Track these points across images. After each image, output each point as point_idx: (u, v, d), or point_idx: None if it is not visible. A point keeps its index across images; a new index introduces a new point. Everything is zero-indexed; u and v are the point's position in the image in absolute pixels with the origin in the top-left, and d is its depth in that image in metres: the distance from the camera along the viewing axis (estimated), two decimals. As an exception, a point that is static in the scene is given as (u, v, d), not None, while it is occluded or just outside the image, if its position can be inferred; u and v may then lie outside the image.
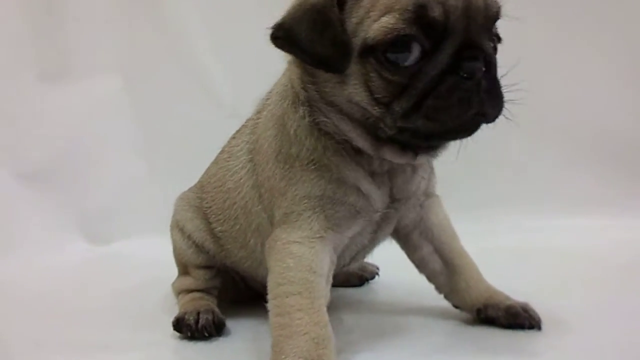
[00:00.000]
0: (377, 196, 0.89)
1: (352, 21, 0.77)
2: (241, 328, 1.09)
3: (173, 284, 1.19)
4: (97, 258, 1.84)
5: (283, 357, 0.77)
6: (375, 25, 0.73)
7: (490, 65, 0.76)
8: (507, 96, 0.79)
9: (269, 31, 0.80)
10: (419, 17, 0.72)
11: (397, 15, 0.72)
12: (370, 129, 0.82)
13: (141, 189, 2.05)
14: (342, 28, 0.76)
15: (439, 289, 1.05)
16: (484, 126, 0.80)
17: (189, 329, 1.02)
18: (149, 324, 1.15)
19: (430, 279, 1.05)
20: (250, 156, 0.97)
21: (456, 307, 1.05)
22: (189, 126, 2.05)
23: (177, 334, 1.04)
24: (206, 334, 1.01)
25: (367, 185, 0.87)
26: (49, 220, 1.95)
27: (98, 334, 1.11)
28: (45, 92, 1.98)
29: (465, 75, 0.73)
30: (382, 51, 0.74)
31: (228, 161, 1.04)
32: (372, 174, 0.88)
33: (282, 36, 0.79)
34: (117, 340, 1.06)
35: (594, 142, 1.94)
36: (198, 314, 1.04)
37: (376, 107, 0.78)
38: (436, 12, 0.72)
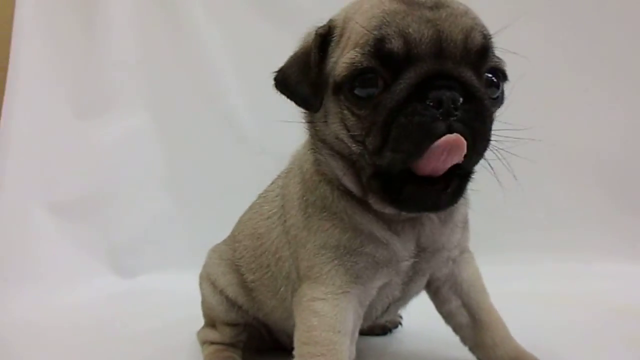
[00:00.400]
0: (399, 244, 0.86)
1: (331, 61, 0.79)
2: None
3: (198, 333, 1.19)
4: (123, 292, 1.87)
5: None
6: (340, 61, 0.75)
7: (473, 98, 0.71)
8: (500, 135, 0.75)
9: (273, 75, 0.83)
10: (378, 50, 0.72)
11: (359, 50, 0.73)
12: (357, 170, 0.81)
13: (167, 224, 2.08)
14: (317, 69, 0.78)
15: (464, 341, 1.04)
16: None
17: None
18: None
19: (456, 331, 1.04)
20: (282, 202, 0.97)
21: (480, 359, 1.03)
22: (215, 162, 2.08)
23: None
24: None
25: (381, 232, 0.85)
26: (77, 253, 1.98)
27: None
28: (79, 128, 2.04)
29: (431, 103, 0.69)
30: (348, 87, 0.75)
31: (262, 206, 1.04)
32: (389, 222, 0.85)
33: (279, 79, 0.83)
34: None
35: (607, 185, 1.90)
36: None
37: (354, 145, 0.77)
38: (395, 44, 0.71)
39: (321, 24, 0.84)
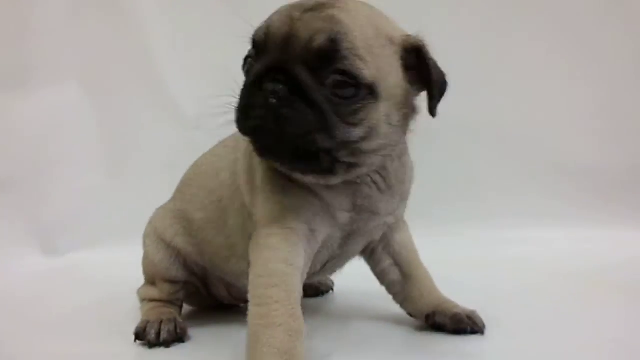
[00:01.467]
0: (335, 201, 0.93)
1: None
2: (203, 335, 1.11)
3: (138, 291, 1.22)
4: (54, 270, 1.81)
5: (259, 346, 0.81)
6: None
7: (298, 91, 0.79)
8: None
9: None
10: (252, 37, 0.86)
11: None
12: None
13: (99, 200, 2.04)
14: None
15: (395, 298, 1.12)
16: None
17: (150, 341, 1.04)
18: (109, 335, 1.14)
19: (388, 289, 1.12)
20: (238, 142, 1.06)
21: (410, 315, 1.12)
22: (151, 137, 2.05)
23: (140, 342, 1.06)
24: (167, 346, 1.04)
25: (319, 189, 0.92)
26: (4, 230, 1.91)
27: (60, 345, 1.10)
28: (3, 101, 1.95)
29: (261, 90, 0.80)
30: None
31: (219, 148, 1.14)
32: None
33: None
34: (79, 351, 1.06)
35: (548, 159, 2.03)
36: (160, 323, 1.06)
37: None
38: (258, 34, 0.85)
39: None
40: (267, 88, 0.79)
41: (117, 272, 1.65)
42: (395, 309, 1.14)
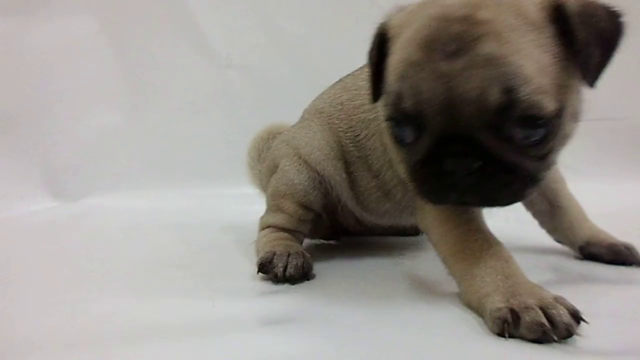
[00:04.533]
0: None
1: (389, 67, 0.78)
2: (327, 272, 1.01)
3: (262, 217, 1.13)
4: (72, 217, 1.65)
5: (480, 278, 0.75)
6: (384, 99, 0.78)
7: (490, 160, 0.69)
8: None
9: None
10: (396, 105, 0.72)
11: (389, 99, 0.74)
12: None
13: (116, 141, 1.89)
14: (374, 69, 0.83)
15: (542, 225, 1.10)
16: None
17: (277, 274, 0.94)
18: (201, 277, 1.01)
19: (535, 216, 1.10)
20: None
21: (558, 242, 1.10)
22: (176, 75, 1.90)
23: (261, 275, 0.96)
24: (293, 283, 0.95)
25: None
26: (7, 174, 1.75)
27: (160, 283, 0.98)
28: (12, 27, 1.77)
29: (446, 169, 0.71)
30: (389, 125, 0.78)
31: (356, 81, 1.06)
32: None
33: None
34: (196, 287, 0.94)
35: None
36: (288, 256, 0.97)
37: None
38: (407, 103, 0.70)
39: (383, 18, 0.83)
40: (451, 164, 0.69)
41: (143, 218, 1.56)
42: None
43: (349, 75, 1.12)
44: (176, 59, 1.88)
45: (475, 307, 0.75)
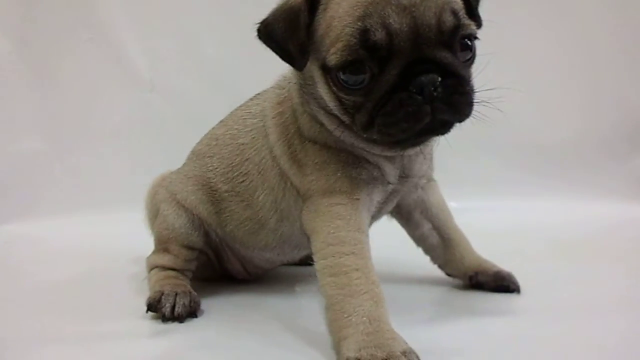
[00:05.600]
0: (390, 170, 0.94)
1: (319, 29, 0.83)
2: (214, 309, 1.06)
3: (148, 258, 1.16)
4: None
5: (346, 316, 0.79)
6: (331, 50, 0.80)
7: (450, 74, 0.78)
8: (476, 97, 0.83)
9: (256, 26, 0.87)
10: (364, 42, 0.77)
11: (345, 42, 0.78)
12: (351, 128, 0.87)
13: (37, 166, 1.85)
14: (305, 31, 0.83)
15: (434, 260, 1.16)
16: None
17: (164, 314, 0.98)
18: (103, 310, 1.06)
19: (427, 252, 1.16)
20: (264, 116, 1.03)
21: (449, 275, 1.17)
22: (100, 98, 1.88)
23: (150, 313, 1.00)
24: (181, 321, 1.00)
25: (374, 158, 0.92)
26: None
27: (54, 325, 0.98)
28: None
29: (414, 90, 0.77)
30: (335, 73, 0.81)
31: (245, 119, 1.08)
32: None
33: (262, 30, 0.87)
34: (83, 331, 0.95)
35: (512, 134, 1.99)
36: (176, 296, 1.01)
37: (344, 115, 0.85)
38: (378, 36, 0.77)
39: None
40: (423, 81, 0.76)
41: (64, 244, 1.55)
42: (423, 273, 1.18)
43: (229, 113, 1.15)
44: (98, 84, 1.86)
45: (334, 343, 0.81)
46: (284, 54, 0.86)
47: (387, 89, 0.78)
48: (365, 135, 0.84)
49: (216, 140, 1.11)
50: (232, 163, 1.06)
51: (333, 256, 0.85)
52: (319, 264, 0.87)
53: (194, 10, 1.89)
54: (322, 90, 0.86)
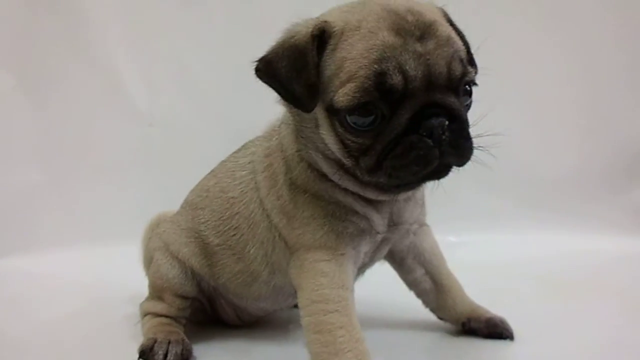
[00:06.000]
0: (377, 219, 0.94)
1: (327, 70, 0.82)
2: (207, 355, 1.07)
3: (141, 304, 1.17)
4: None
5: None
6: (341, 91, 0.79)
7: (456, 119, 0.81)
8: (477, 143, 0.86)
9: (254, 64, 0.85)
10: (379, 84, 0.78)
11: (359, 84, 0.78)
12: (350, 172, 0.88)
13: (36, 199, 1.85)
14: (315, 71, 0.82)
15: (426, 304, 1.16)
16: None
17: None
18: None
19: (419, 295, 1.16)
20: (253, 168, 1.03)
21: (441, 319, 1.17)
22: (98, 132, 1.88)
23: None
24: None
25: (361, 208, 0.92)
26: None
27: None
28: None
29: (424, 133, 0.78)
30: (344, 115, 0.81)
31: (234, 172, 1.07)
32: (368, 200, 0.93)
33: (263, 69, 0.85)
34: None
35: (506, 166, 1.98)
36: (168, 344, 1.02)
37: (348, 159, 0.84)
38: (395, 80, 0.78)
39: (311, 20, 0.86)
40: (434, 124, 0.78)
41: (63, 279, 1.55)
42: (418, 316, 1.18)
43: (219, 163, 1.15)
44: (98, 117, 1.87)
45: None
46: (288, 95, 0.84)
47: (398, 132, 0.79)
48: (369, 179, 0.83)
49: (207, 192, 1.11)
50: (222, 217, 1.05)
51: (317, 313, 0.87)
52: (304, 320, 0.89)
53: (194, 43, 1.91)
54: (325, 132, 0.85)
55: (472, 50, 0.90)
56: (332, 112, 0.82)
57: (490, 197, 1.92)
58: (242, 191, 1.03)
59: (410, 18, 0.80)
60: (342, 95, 0.79)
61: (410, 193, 0.95)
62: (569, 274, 1.58)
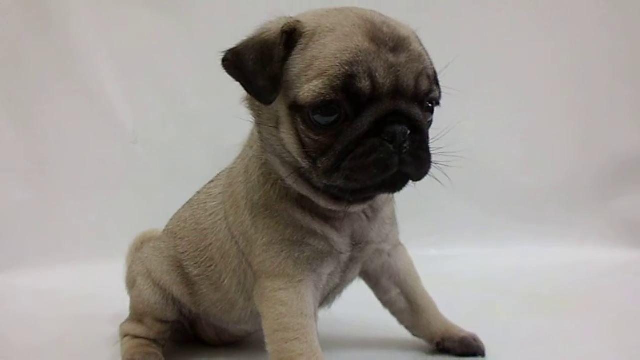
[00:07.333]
0: (338, 238, 0.94)
1: (294, 68, 0.83)
2: None
3: (121, 325, 1.18)
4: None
5: None
6: (306, 87, 0.80)
7: (417, 130, 0.82)
8: (436, 158, 0.87)
9: (222, 54, 0.85)
10: (347, 86, 0.78)
11: (327, 82, 0.78)
12: (305, 176, 0.88)
13: (25, 217, 1.85)
14: (280, 64, 0.82)
15: (402, 322, 1.17)
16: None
17: None
18: None
19: (395, 314, 1.17)
20: (223, 199, 1.03)
21: (417, 336, 1.18)
22: (83, 150, 1.89)
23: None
24: None
25: (320, 228, 0.93)
26: None
27: None
28: None
29: (386, 138, 0.79)
30: (307, 112, 0.81)
31: (206, 203, 1.08)
32: (327, 219, 0.93)
33: (231, 60, 0.85)
34: None
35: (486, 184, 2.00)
36: None
37: (305, 160, 0.84)
38: (363, 84, 0.79)
39: (284, 18, 0.86)
40: (397, 130, 0.79)
41: (50, 294, 1.56)
42: (393, 334, 1.19)
43: (195, 194, 1.16)
44: (83, 135, 1.88)
45: None
46: (251, 87, 0.83)
47: (359, 134, 0.79)
48: (325, 182, 0.82)
49: (184, 223, 1.12)
50: (198, 247, 1.06)
51: (279, 342, 0.89)
52: (268, 347, 0.91)
53: (179, 62, 1.92)
54: (285, 131, 0.84)
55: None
56: (296, 108, 0.81)
57: (473, 209, 1.94)
58: (213, 222, 1.04)
59: (385, 29, 0.82)
60: (308, 90, 0.79)
61: (363, 207, 0.94)
62: (553, 287, 1.58)
